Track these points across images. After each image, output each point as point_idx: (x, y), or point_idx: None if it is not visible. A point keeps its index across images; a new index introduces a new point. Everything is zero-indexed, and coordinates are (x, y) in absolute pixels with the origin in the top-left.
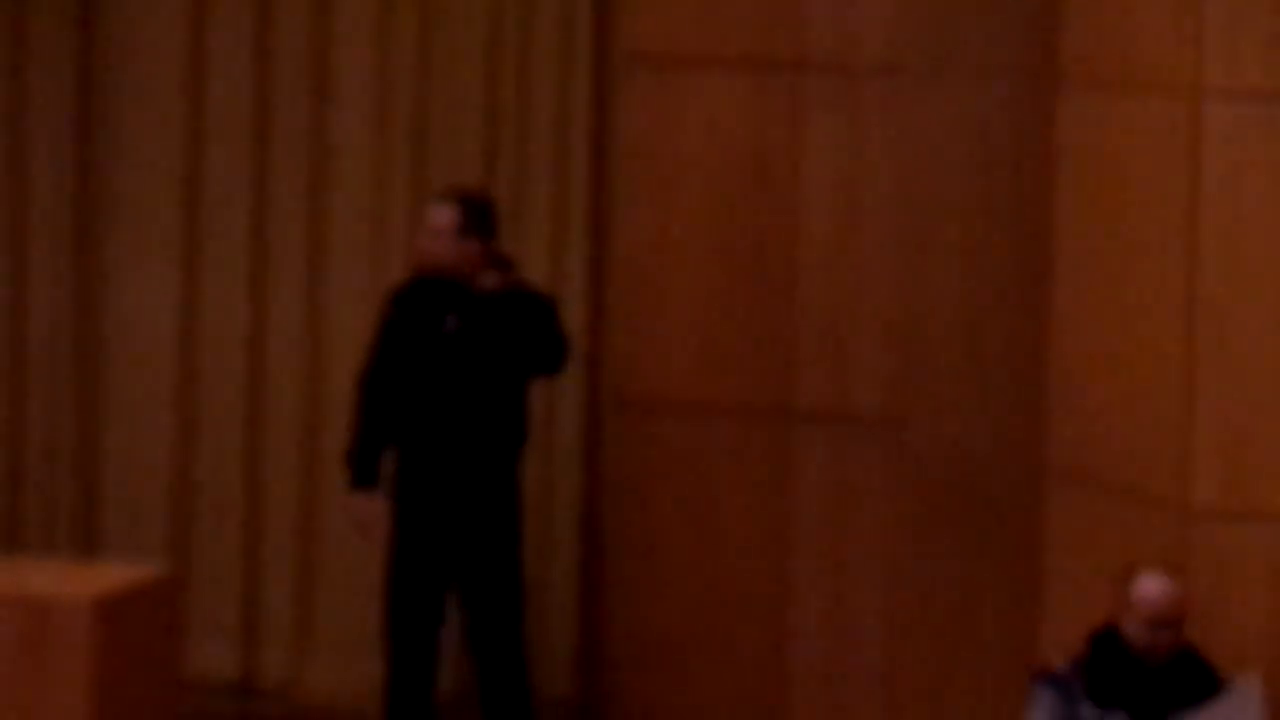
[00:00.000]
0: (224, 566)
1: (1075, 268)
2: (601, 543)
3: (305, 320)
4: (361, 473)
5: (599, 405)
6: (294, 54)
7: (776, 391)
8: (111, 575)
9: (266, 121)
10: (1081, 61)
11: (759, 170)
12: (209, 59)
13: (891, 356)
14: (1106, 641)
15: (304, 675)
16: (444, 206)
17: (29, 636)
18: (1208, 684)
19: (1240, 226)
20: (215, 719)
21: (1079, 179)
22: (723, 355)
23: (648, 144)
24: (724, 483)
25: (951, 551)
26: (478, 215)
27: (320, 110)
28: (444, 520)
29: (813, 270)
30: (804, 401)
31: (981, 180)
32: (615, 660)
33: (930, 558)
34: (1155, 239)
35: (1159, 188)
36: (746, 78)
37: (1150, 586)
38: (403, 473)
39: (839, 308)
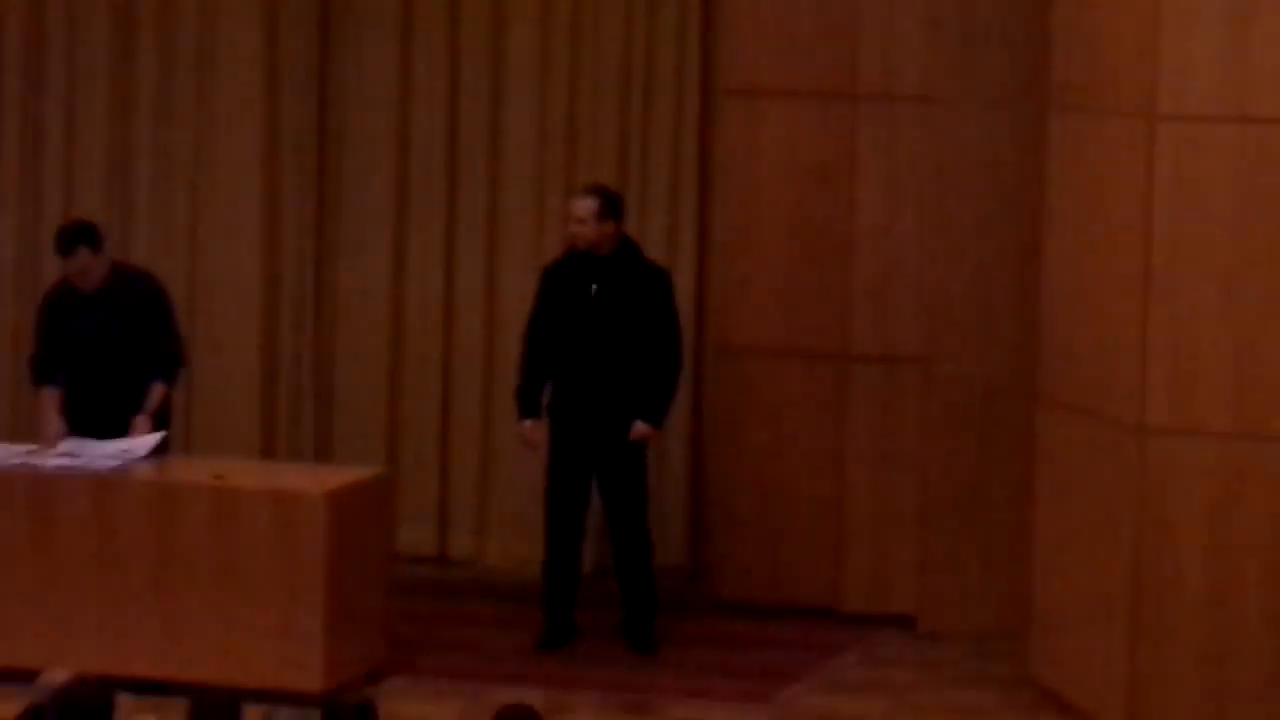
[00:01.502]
0: (424, 469)
1: (1062, 245)
2: (704, 454)
3: (485, 285)
4: (527, 406)
5: (703, 351)
6: (476, 75)
7: (836, 339)
8: (340, 474)
9: (455, 133)
10: (1065, 89)
11: (823, 175)
12: (415, 82)
13: (923, 311)
14: None
15: (484, 551)
16: (587, 198)
17: (278, 523)
18: None
19: (1185, 212)
20: (417, 585)
21: (1065, 179)
22: (795, 312)
23: (739, 154)
24: (796, 408)
25: (968, 459)
26: (611, 203)
27: (496, 124)
28: (589, 436)
29: (864, 248)
30: (857, 347)
31: (991, 181)
32: (716, 540)
33: (952, 464)
34: (1121, 226)
35: (1123, 188)
36: (814, 105)
37: None
38: (558, 401)
39: (883, 275)
